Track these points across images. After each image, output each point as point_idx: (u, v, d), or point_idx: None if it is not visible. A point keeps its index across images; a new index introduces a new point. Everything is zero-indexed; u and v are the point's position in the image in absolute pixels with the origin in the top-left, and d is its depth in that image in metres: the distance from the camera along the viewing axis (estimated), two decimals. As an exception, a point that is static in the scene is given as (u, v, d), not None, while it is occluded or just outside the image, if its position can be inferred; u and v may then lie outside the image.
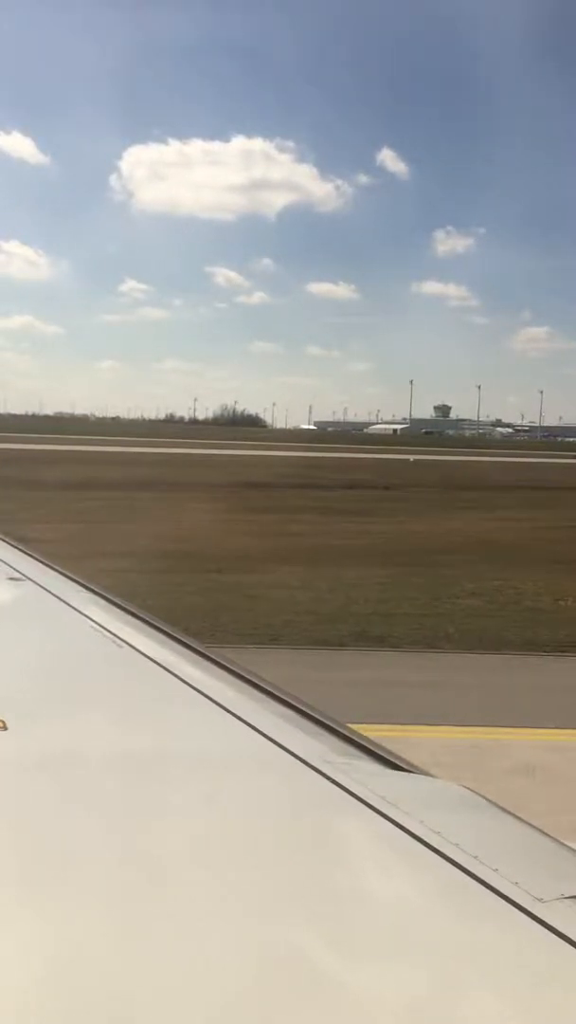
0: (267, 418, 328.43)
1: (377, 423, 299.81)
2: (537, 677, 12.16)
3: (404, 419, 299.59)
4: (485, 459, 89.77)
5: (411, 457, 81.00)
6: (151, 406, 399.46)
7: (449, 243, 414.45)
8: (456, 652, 13.22)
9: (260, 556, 21.36)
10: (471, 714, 10.41)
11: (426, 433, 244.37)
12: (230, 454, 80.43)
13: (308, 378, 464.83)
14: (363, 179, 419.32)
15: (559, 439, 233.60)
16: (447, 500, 41.06)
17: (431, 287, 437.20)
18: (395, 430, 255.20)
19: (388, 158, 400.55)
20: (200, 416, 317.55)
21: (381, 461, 78.30)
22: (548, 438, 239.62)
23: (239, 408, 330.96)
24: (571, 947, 1.18)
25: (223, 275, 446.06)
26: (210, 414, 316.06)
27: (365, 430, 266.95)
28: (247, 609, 15.47)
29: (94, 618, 2.88)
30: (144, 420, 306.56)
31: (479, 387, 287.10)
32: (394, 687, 11.46)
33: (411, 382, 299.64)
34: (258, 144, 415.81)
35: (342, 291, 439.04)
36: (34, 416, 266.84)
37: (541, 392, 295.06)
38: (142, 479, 45.26)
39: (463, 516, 34.35)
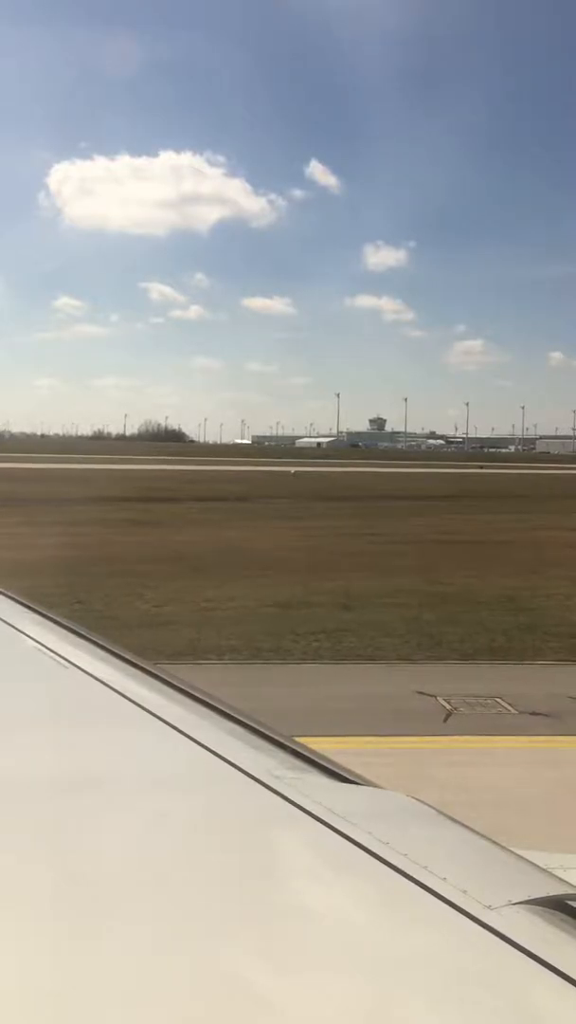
0: (201, 433, 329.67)
1: (312, 437, 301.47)
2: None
3: (341, 432, 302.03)
4: (384, 470, 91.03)
5: (292, 470, 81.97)
6: (90, 423, 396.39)
7: (380, 256, 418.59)
8: None
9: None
10: None
11: (353, 446, 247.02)
12: (122, 468, 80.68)
13: (248, 393, 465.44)
14: (295, 193, 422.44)
15: (486, 450, 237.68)
16: (278, 510, 41.91)
17: (366, 301, 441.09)
18: (319, 443, 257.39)
19: (318, 172, 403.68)
20: (132, 432, 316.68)
21: (268, 473, 79.24)
22: (477, 449, 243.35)
23: (173, 424, 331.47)
24: (520, 953, 1.19)
25: (158, 290, 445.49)
26: (137, 430, 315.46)
27: (296, 443, 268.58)
28: None
29: (36, 638, 2.83)
30: (70, 436, 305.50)
31: (406, 400, 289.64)
32: None
33: (338, 395, 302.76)
34: (187, 159, 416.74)
35: (278, 305, 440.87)
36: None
37: (467, 404, 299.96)
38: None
39: (265, 525, 35.15)
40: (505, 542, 30.63)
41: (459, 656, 14.09)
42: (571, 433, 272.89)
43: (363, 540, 30.84)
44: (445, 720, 10.82)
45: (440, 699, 11.55)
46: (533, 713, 11.13)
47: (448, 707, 11.29)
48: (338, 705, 10.79)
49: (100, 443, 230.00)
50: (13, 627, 2.98)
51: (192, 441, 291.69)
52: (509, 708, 11.37)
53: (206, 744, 1.95)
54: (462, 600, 18.90)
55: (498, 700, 11.62)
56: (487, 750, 9.64)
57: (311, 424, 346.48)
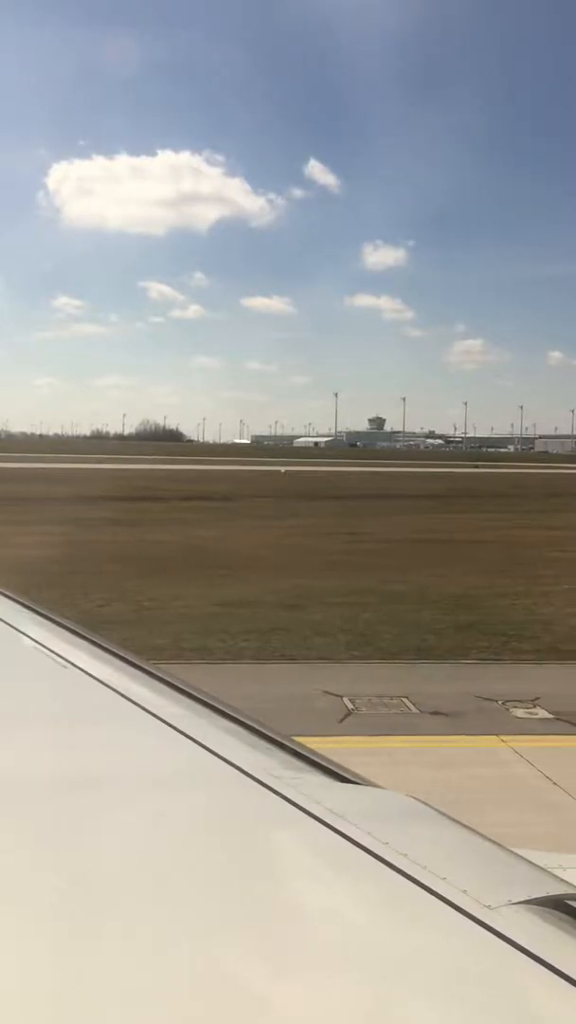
0: (200, 432, 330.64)
1: (310, 436, 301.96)
2: None
3: (340, 432, 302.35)
4: (380, 470, 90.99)
5: (283, 469, 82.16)
6: (89, 423, 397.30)
7: (379, 255, 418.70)
8: None
9: None
10: None
11: (351, 445, 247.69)
12: (114, 468, 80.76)
13: (247, 392, 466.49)
14: (295, 192, 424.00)
15: (485, 449, 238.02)
16: (261, 509, 41.92)
17: (366, 300, 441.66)
18: (316, 443, 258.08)
19: (317, 171, 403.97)
20: (131, 432, 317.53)
21: (260, 472, 79.34)
22: (476, 449, 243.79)
23: (173, 423, 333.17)
24: (520, 952, 1.19)
25: (157, 290, 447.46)
26: (134, 430, 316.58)
27: (294, 443, 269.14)
28: None
29: (36, 638, 2.83)
30: (69, 436, 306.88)
31: (404, 399, 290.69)
32: None
33: (336, 395, 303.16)
34: (186, 158, 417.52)
35: (277, 305, 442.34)
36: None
37: (466, 404, 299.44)
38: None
39: (242, 524, 35.20)
40: (482, 541, 30.55)
41: (384, 655, 14.01)
42: (570, 432, 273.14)
43: (338, 539, 30.76)
44: (341, 720, 10.74)
45: (345, 699, 11.47)
46: (434, 713, 11.06)
47: (350, 707, 11.21)
48: (236, 704, 10.66)
49: (97, 442, 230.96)
50: (13, 627, 2.99)
51: (190, 440, 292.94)
52: (412, 708, 11.27)
53: (206, 744, 1.95)
54: (413, 599, 18.84)
55: (404, 699, 11.52)
56: (372, 750, 9.51)
57: (310, 423, 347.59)
